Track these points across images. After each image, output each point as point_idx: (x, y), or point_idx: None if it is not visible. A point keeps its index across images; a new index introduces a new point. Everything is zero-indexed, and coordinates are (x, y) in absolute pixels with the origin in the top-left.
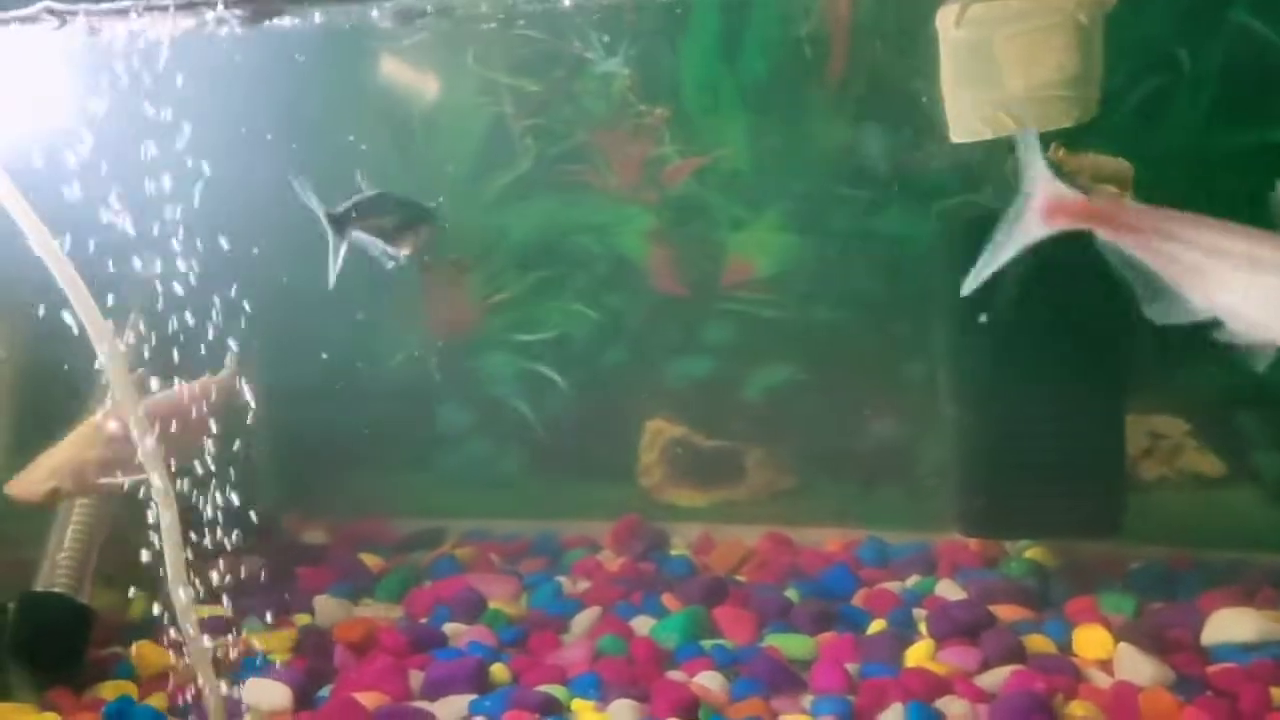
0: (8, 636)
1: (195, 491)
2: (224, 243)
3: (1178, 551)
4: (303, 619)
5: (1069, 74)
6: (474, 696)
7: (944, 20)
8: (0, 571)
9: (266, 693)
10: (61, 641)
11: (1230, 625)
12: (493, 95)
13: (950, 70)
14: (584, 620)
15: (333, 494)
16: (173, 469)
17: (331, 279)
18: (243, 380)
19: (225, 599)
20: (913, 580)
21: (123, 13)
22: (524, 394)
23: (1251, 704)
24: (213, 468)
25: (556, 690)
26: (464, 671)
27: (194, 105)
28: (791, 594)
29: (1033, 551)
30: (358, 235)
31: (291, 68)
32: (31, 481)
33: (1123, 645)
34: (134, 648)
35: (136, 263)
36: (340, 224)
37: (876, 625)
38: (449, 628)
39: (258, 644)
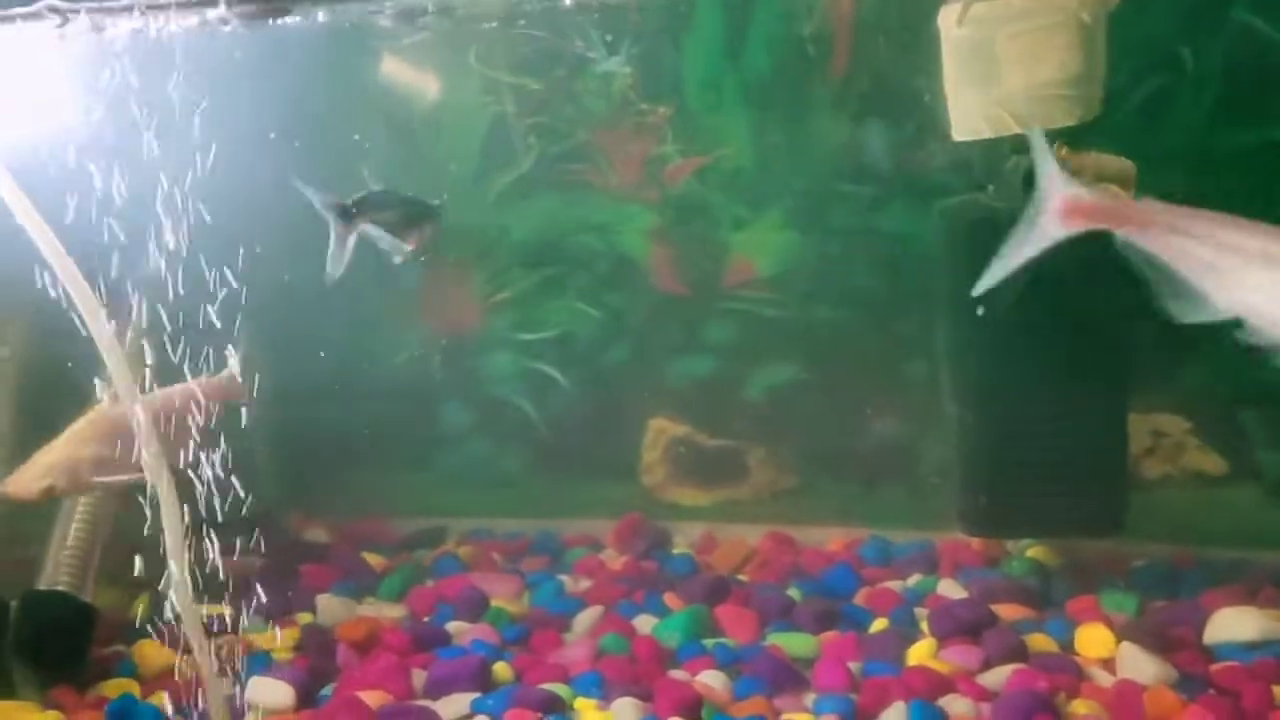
0: (11, 635)
1: (196, 491)
2: (226, 242)
3: (1180, 550)
4: (305, 618)
5: (1071, 73)
6: (477, 695)
7: (946, 19)
8: (4, 570)
9: (269, 691)
10: (64, 640)
11: (1233, 624)
12: (494, 94)
13: (952, 69)
14: (586, 619)
15: (335, 493)
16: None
17: (338, 270)
18: (242, 382)
19: (228, 598)
20: (915, 579)
21: (126, 10)
22: (526, 393)
23: (1254, 702)
24: (212, 468)
25: (559, 689)
26: (467, 670)
27: (194, 104)
28: (794, 593)
29: (1034, 550)
30: (366, 228)
31: (292, 67)
32: (26, 480)
33: (1125, 644)
34: (136, 647)
35: (139, 262)
36: (348, 216)
37: (879, 624)
38: (451, 626)
39: (260, 643)
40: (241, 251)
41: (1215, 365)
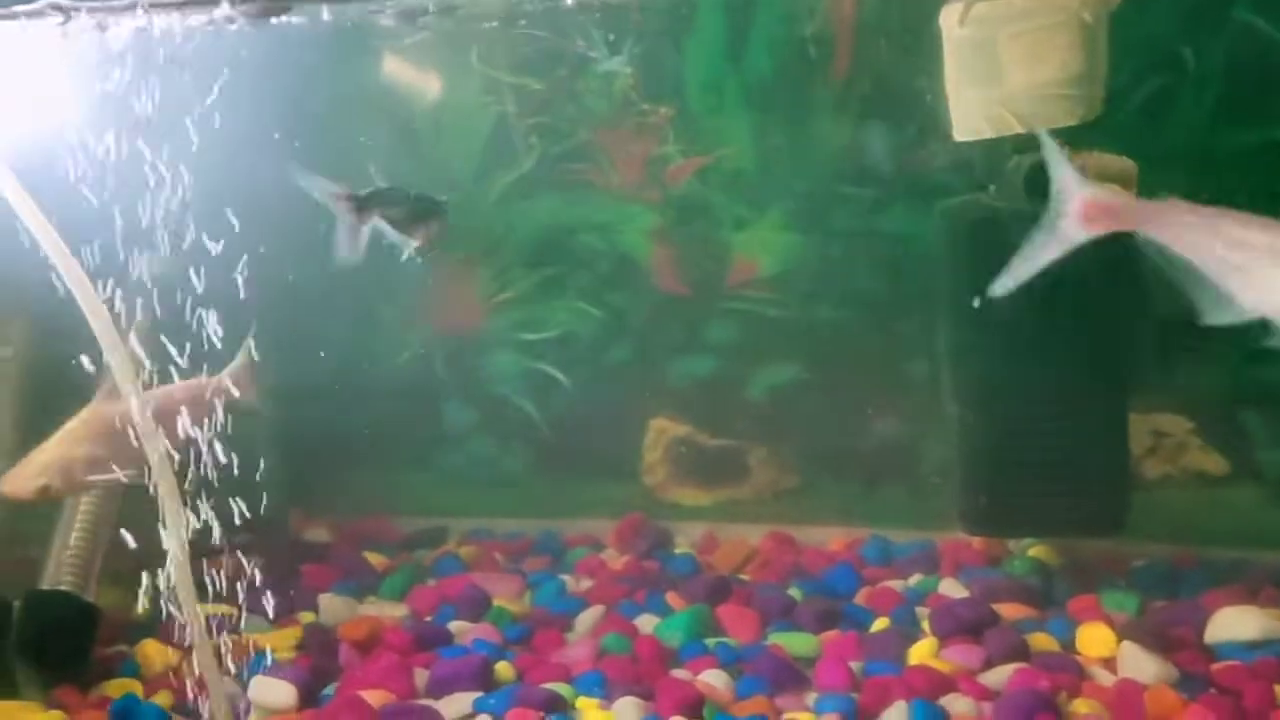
0: (14, 635)
1: (196, 490)
2: (230, 240)
3: (1181, 550)
4: (307, 617)
5: (1073, 72)
6: (479, 694)
7: (948, 19)
8: (6, 570)
9: (272, 691)
10: (67, 640)
11: (1234, 623)
12: (496, 94)
13: (954, 69)
14: (588, 618)
15: (337, 492)
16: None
17: (348, 256)
18: (243, 381)
19: (230, 597)
20: (916, 579)
21: (130, 9)
22: (528, 393)
23: (1255, 702)
24: (211, 468)
25: (561, 688)
26: (469, 669)
27: (194, 103)
28: (795, 592)
29: (1036, 550)
30: (375, 223)
31: (294, 66)
32: (21, 479)
33: (1126, 643)
34: (138, 646)
35: (141, 260)
36: (360, 207)
37: (880, 623)
38: (453, 626)
39: (262, 642)
40: (244, 251)
41: (1217, 365)
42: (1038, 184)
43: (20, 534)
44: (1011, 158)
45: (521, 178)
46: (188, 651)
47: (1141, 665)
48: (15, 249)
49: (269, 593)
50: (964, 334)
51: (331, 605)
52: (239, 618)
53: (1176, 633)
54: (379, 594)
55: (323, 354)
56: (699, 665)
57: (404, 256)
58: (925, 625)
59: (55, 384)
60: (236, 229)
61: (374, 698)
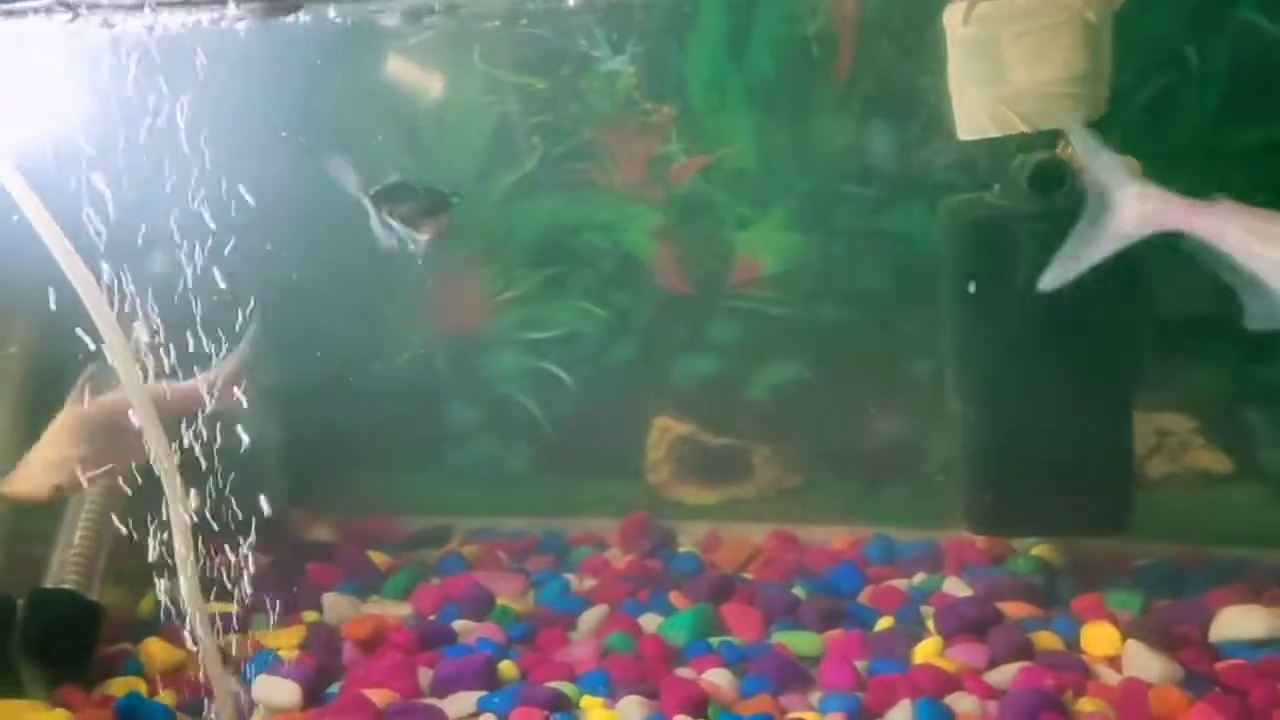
0: (18, 633)
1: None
2: (233, 240)
3: (1185, 548)
4: (311, 616)
5: (1077, 71)
6: (483, 693)
7: (951, 18)
8: (10, 569)
9: (276, 689)
10: (71, 638)
11: (1238, 622)
12: (499, 93)
13: (957, 68)
14: (592, 617)
15: (340, 491)
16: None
17: (390, 246)
18: (224, 386)
19: (235, 595)
20: (920, 578)
21: (136, 7)
22: (531, 392)
23: (1261, 700)
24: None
25: (565, 687)
26: (473, 668)
27: (196, 102)
28: (799, 591)
29: (1039, 549)
30: (384, 219)
31: (297, 65)
32: (33, 479)
33: (1131, 642)
34: (142, 645)
35: (145, 260)
36: (377, 203)
37: (884, 622)
38: (457, 625)
39: (267, 641)
40: (248, 250)
41: (1221, 364)
42: (1041, 183)
43: (24, 532)
44: (1015, 157)
45: (524, 177)
46: (192, 650)
47: (1146, 664)
48: (17, 248)
49: (273, 591)
50: (967, 333)
51: (335, 604)
52: (243, 616)
53: (1181, 631)
54: (383, 593)
55: (325, 353)
56: (703, 664)
57: (412, 249)
58: (929, 624)
59: (59, 382)
60: (238, 229)
61: (378, 696)
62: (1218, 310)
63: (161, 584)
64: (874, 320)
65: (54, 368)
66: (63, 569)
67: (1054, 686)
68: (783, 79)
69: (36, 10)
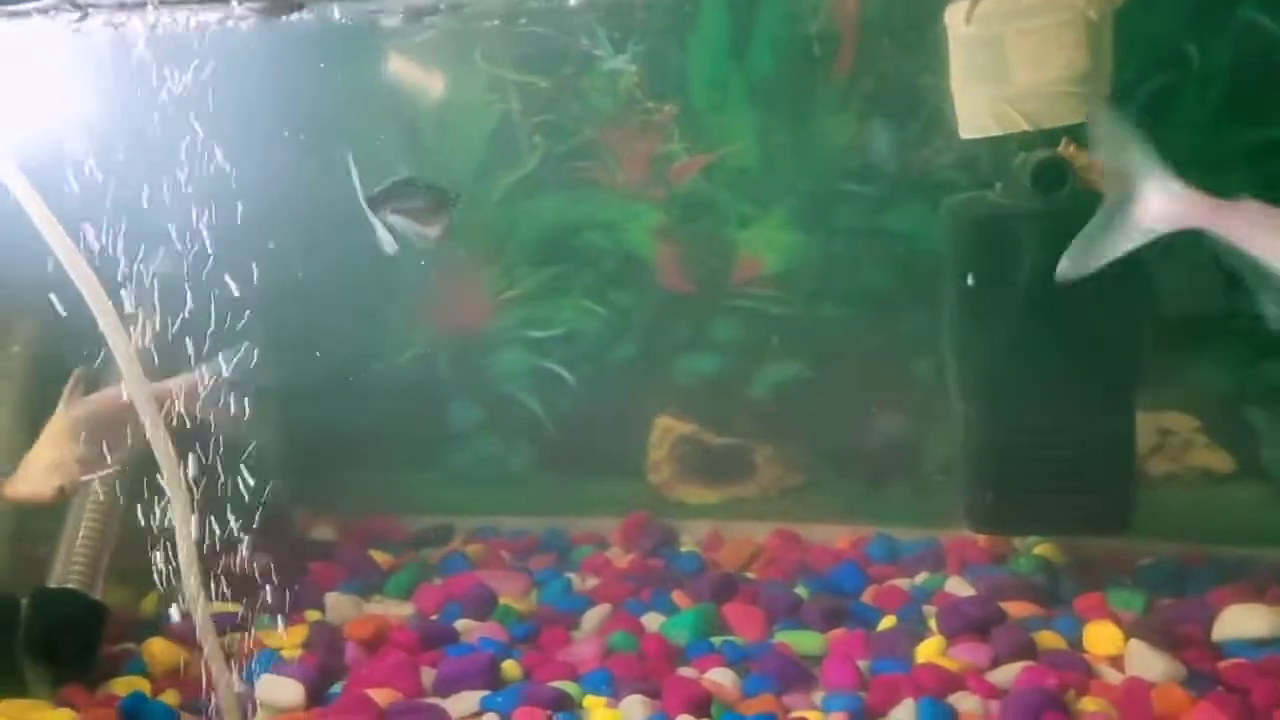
0: (22, 633)
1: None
2: (233, 240)
3: (1187, 548)
4: (314, 615)
5: (1079, 70)
6: (486, 692)
7: (953, 16)
8: (14, 568)
9: (279, 689)
10: (75, 638)
11: (1241, 621)
12: (500, 92)
13: (960, 66)
14: (594, 617)
15: (343, 491)
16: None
17: (391, 247)
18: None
19: (237, 595)
20: (922, 577)
21: (140, 6)
22: (533, 390)
23: (1263, 699)
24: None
25: (568, 686)
26: (475, 667)
27: (196, 101)
28: (801, 591)
29: (1042, 548)
30: (392, 218)
31: (298, 65)
32: (37, 480)
33: (1133, 641)
34: (146, 644)
35: (148, 259)
36: (375, 205)
37: (887, 622)
38: (460, 624)
39: (269, 640)
40: (251, 249)
41: (1223, 363)
42: (1043, 181)
43: (27, 532)
44: (1017, 155)
45: (526, 176)
46: (196, 650)
47: (1149, 663)
48: (21, 247)
49: (275, 591)
50: (969, 331)
51: (338, 604)
52: (246, 616)
53: (1183, 630)
54: (385, 592)
55: (328, 352)
56: (706, 663)
57: (420, 246)
58: (932, 623)
59: (63, 382)
60: (241, 228)
61: (381, 696)
62: (1219, 309)
63: (164, 584)
64: (876, 319)
65: (57, 367)
66: (66, 568)
67: (1056, 686)
68: (784, 78)
69: (41, 11)
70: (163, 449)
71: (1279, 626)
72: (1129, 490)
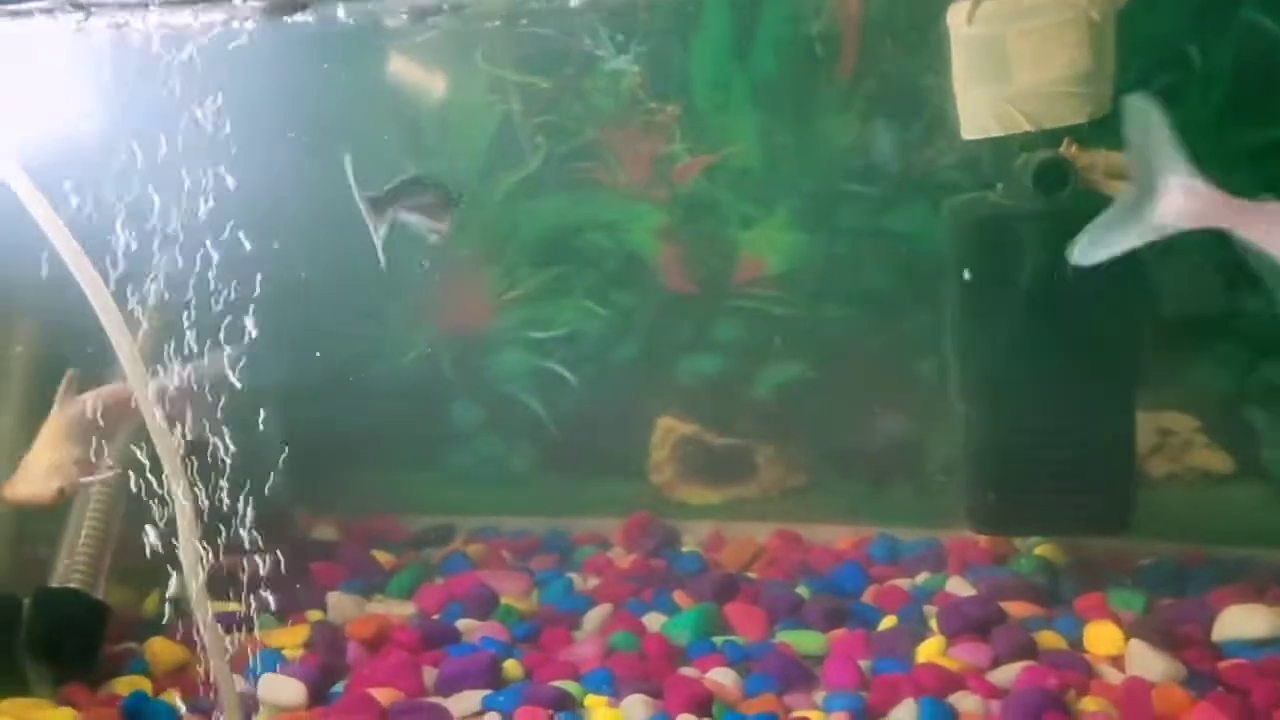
0: (24, 632)
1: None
2: (238, 238)
3: (1188, 548)
4: (315, 615)
5: (1081, 70)
6: (487, 692)
7: (955, 17)
8: (16, 568)
9: (281, 688)
10: (77, 637)
11: (1241, 621)
12: (502, 93)
13: (962, 67)
14: (596, 616)
15: (344, 490)
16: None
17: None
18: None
19: (238, 595)
20: (923, 577)
21: (142, 6)
22: (535, 391)
23: (1263, 699)
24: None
25: (569, 686)
26: (477, 667)
27: (197, 101)
28: (802, 591)
29: (1042, 548)
30: (401, 216)
31: (300, 65)
32: (37, 482)
33: (1134, 641)
34: (147, 644)
35: (151, 258)
36: (380, 207)
37: (888, 622)
38: (461, 624)
39: (271, 640)
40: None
41: (1223, 363)
42: (1045, 182)
43: (29, 533)
44: (1019, 156)
45: (528, 176)
46: (198, 649)
47: (1149, 663)
48: (23, 247)
49: (277, 591)
50: (971, 332)
51: (339, 603)
52: (249, 615)
53: (1184, 631)
54: (387, 592)
55: (330, 352)
56: (707, 663)
57: (433, 240)
58: (933, 623)
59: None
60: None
61: (382, 695)
62: (1219, 309)
63: (167, 583)
64: (878, 320)
65: (60, 367)
66: (68, 568)
67: (1057, 686)
68: (787, 78)
69: (43, 11)
70: (165, 448)
71: (1279, 627)
72: (1129, 490)
